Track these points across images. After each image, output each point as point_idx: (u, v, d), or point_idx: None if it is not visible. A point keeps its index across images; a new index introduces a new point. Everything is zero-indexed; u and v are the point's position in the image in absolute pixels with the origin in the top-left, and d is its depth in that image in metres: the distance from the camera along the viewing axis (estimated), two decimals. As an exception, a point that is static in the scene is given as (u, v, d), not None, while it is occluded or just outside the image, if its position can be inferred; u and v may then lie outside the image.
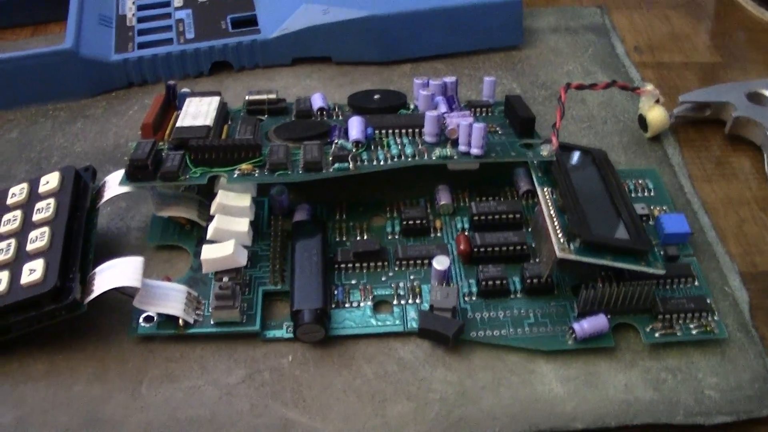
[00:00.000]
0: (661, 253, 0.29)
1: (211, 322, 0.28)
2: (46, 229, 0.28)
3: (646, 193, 0.33)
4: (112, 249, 0.31)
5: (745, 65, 0.42)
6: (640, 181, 0.34)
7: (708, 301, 0.28)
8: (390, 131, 0.31)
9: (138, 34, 0.41)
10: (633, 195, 0.33)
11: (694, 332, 0.28)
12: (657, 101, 0.35)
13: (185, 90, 0.34)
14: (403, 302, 0.29)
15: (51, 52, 0.37)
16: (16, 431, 0.25)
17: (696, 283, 0.29)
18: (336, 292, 0.29)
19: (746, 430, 0.26)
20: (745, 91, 0.37)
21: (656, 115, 0.36)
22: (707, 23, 0.45)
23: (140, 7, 0.43)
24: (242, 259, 0.28)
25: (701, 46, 0.43)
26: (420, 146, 0.31)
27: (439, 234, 0.31)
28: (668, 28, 0.45)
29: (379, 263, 0.30)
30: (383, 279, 0.30)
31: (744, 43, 0.43)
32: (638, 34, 0.45)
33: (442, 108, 0.33)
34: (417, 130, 0.31)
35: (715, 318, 0.28)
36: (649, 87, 0.35)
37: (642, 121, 0.36)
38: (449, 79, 0.35)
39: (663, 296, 0.28)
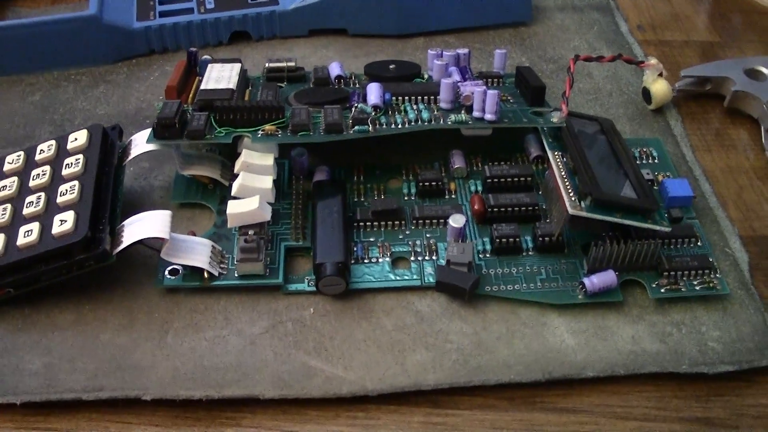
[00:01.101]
0: (666, 214, 0.30)
1: (236, 275, 0.29)
2: (75, 183, 0.29)
3: (650, 161, 0.35)
4: (136, 206, 0.32)
5: (741, 44, 0.43)
6: (644, 150, 0.35)
7: (710, 259, 0.30)
8: (407, 98, 0.32)
9: (159, 3, 0.42)
10: (638, 162, 0.34)
11: (697, 288, 0.29)
12: (660, 74, 0.37)
13: (206, 57, 0.35)
14: (420, 258, 0.30)
15: (75, 17, 0.38)
16: (46, 377, 0.26)
17: (699, 243, 0.31)
18: (355, 249, 0.30)
19: (747, 379, 0.27)
20: (743, 67, 0.38)
21: (659, 87, 0.37)
22: (705, 5, 0.47)
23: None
24: (267, 214, 0.29)
25: (700, 26, 0.45)
26: (436, 112, 0.32)
27: (453, 196, 0.33)
28: (669, 8, 0.47)
29: (397, 222, 0.31)
30: (401, 237, 0.31)
31: (740, 24, 0.45)
32: (641, 14, 0.46)
33: (456, 77, 0.34)
34: (432, 98, 0.32)
35: (718, 275, 0.29)
36: (653, 61, 0.37)
37: (646, 94, 0.38)
38: (462, 50, 0.36)
39: (668, 255, 0.30)
